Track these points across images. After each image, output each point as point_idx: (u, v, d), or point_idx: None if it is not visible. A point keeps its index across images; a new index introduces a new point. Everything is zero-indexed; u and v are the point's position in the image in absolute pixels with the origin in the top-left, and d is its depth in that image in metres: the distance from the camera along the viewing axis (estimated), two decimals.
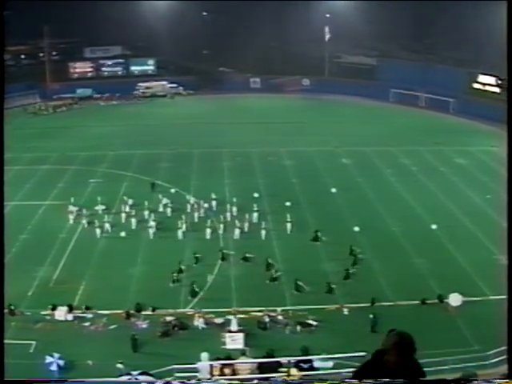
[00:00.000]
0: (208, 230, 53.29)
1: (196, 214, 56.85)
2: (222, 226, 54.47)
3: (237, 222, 54.83)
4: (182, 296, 43.40)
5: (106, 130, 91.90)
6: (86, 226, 55.20)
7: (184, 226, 54.11)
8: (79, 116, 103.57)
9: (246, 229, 54.46)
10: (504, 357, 32.98)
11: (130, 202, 59.32)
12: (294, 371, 32.71)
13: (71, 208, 57.71)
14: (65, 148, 79.27)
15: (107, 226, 54.66)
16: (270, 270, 46.63)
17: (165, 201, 59.79)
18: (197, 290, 43.66)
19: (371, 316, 39.31)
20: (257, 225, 54.75)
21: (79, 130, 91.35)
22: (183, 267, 46.75)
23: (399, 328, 8.94)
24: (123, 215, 57.01)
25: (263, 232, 53.17)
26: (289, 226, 53.74)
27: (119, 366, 33.72)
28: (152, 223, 54.80)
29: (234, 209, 57.74)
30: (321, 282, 44.63)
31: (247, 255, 48.67)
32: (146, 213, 56.95)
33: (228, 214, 56.88)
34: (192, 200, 60.43)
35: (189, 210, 58.33)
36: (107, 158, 75.77)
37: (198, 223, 55.53)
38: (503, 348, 33.16)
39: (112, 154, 77.32)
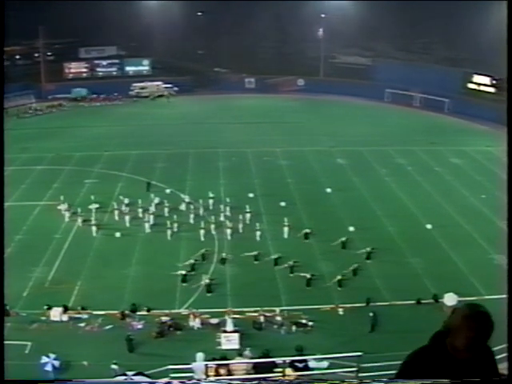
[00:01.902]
0: (202, 231, 53.30)
1: (191, 216, 56.76)
2: (214, 226, 54.46)
3: (228, 222, 54.96)
4: (177, 296, 43.37)
5: (91, 131, 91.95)
6: (80, 225, 55.21)
7: (175, 226, 54.23)
8: (63, 118, 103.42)
9: (240, 229, 54.50)
10: (499, 356, 33.07)
11: (126, 201, 59.43)
12: (289, 371, 32.67)
13: (61, 206, 58.08)
14: (58, 149, 79.28)
15: (101, 225, 54.74)
16: (278, 265, 47.48)
17: (157, 200, 59.86)
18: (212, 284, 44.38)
19: (371, 314, 39.46)
20: (251, 225, 54.70)
21: (67, 131, 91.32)
22: (193, 263, 47.24)
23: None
24: (119, 215, 57.07)
25: (258, 232, 53.16)
26: (286, 229, 53.54)
27: (114, 366, 33.70)
28: (147, 223, 54.98)
29: (229, 209, 57.80)
30: (322, 280, 45.22)
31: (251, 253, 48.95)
32: (142, 213, 56.95)
33: (222, 215, 56.93)
34: (186, 199, 60.57)
35: (183, 209, 58.55)
36: (102, 159, 75.73)
37: (193, 224, 55.53)
38: (498, 347, 33.23)
39: (107, 155, 77.27)
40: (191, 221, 56.09)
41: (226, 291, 44.26)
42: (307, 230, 52.94)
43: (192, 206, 58.60)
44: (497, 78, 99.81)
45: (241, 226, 54.64)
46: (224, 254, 49.09)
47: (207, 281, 44.38)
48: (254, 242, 51.91)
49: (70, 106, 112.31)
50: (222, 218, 56.22)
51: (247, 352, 36.19)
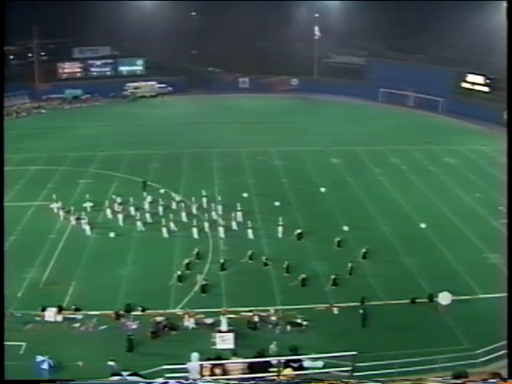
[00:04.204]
0: (195, 229, 53.40)
1: (183, 214, 56.90)
2: (208, 224, 54.64)
3: (221, 220, 55.29)
4: (172, 296, 43.33)
5: (82, 131, 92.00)
6: (74, 225, 55.20)
7: (170, 225, 54.37)
8: (51, 119, 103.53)
9: (234, 228, 54.68)
10: (494, 355, 33.17)
11: (119, 200, 59.76)
12: (286, 371, 32.69)
13: (53, 205, 58.41)
14: (49, 149, 79.37)
15: (95, 225, 54.87)
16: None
17: (149, 199, 60.10)
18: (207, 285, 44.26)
19: (361, 311, 39.61)
20: (244, 224, 54.77)
21: (58, 132, 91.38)
22: (187, 262, 47.20)
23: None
24: (113, 215, 57.18)
25: (250, 231, 53.29)
26: (280, 229, 53.55)
27: (111, 363, 33.73)
28: (139, 221, 55.24)
29: (222, 208, 58.18)
30: (316, 280, 45.25)
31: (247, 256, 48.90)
32: (138, 213, 56.91)
33: (214, 213, 57.22)
34: (177, 198, 60.89)
35: (175, 208, 58.71)
36: (96, 159, 75.73)
37: (186, 223, 55.59)
38: (493, 346, 33.33)
39: (101, 155, 77.26)
40: (184, 219, 56.14)
41: (220, 291, 44.22)
42: (299, 231, 53.00)
43: (183, 205, 58.82)
44: (490, 77, 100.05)
45: (234, 224, 54.93)
46: (220, 256, 49.08)
47: (204, 282, 44.37)
48: (248, 241, 51.97)
49: (48, 108, 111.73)
50: (214, 217, 56.43)
51: (273, 346, 36.32)
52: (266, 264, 47.56)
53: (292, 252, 49.76)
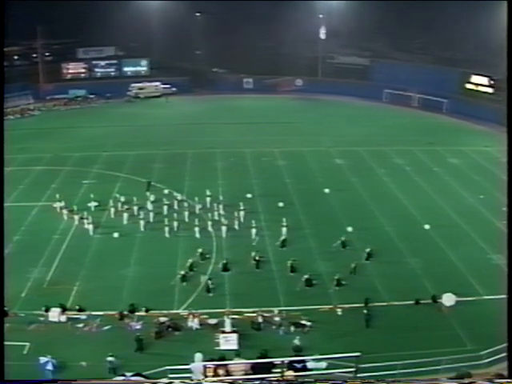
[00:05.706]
0: (198, 229, 53.49)
1: (186, 214, 56.99)
2: (211, 224, 54.77)
3: (224, 219, 55.36)
4: (175, 296, 43.31)
5: (87, 131, 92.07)
6: (78, 225, 55.20)
7: (173, 225, 54.48)
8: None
9: (236, 228, 54.76)
10: (497, 356, 33.08)
11: (123, 199, 59.89)
12: (289, 372, 32.65)
13: (56, 204, 58.58)
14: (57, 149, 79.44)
15: (99, 226, 54.97)
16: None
17: (152, 198, 60.30)
18: (211, 286, 44.15)
19: (365, 312, 39.60)
20: (248, 224, 54.69)
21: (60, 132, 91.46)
22: (191, 263, 47.20)
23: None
24: (117, 215, 57.24)
25: (253, 231, 53.32)
26: (284, 230, 53.42)
27: (110, 359, 33.80)
28: (142, 221, 55.39)
29: (223, 207, 58.38)
30: (320, 280, 45.27)
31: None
32: (141, 213, 56.90)
33: (217, 214, 57.29)
34: (179, 197, 61.11)
35: (178, 208, 58.75)
36: (100, 159, 75.79)
37: (188, 222, 55.59)
38: (496, 348, 33.24)
39: (105, 155, 77.32)
40: (187, 219, 56.15)
41: (224, 291, 44.19)
42: (283, 237, 52.84)
43: (185, 204, 58.97)
44: (495, 78, 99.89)
45: (237, 224, 55.09)
46: (224, 256, 49.08)
47: (208, 282, 44.34)
48: (251, 242, 51.93)
49: (44, 109, 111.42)
50: (217, 218, 56.50)
51: (296, 341, 36.46)
52: (257, 266, 47.71)
53: (296, 253, 49.67)
